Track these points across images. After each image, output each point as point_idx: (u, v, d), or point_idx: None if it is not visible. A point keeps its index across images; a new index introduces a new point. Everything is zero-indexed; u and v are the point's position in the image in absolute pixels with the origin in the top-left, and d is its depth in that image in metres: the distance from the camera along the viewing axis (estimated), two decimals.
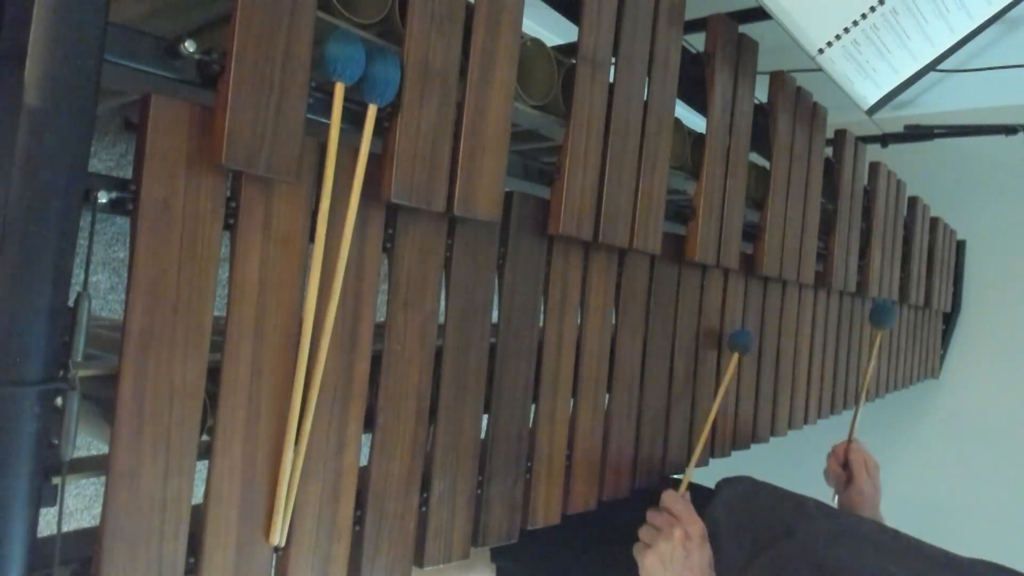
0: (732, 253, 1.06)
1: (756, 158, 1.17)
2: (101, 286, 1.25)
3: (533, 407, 0.81)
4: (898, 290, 1.79)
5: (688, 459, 1.03)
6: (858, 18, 1.11)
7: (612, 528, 1.05)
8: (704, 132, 1.02)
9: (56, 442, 0.47)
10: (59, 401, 0.47)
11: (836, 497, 1.21)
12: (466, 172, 0.67)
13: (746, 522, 0.90)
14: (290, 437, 0.57)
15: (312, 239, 0.57)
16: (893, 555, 0.86)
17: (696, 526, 0.87)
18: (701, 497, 0.95)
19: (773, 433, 1.31)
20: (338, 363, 0.61)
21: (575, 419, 0.86)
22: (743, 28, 1.08)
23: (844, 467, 1.19)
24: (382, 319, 0.65)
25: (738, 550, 0.91)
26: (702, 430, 1.02)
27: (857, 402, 1.29)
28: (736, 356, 1.05)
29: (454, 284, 0.71)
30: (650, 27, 0.88)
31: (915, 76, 1.27)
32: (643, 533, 0.90)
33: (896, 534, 0.92)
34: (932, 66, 1.27)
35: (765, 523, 0.90)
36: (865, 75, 1.20)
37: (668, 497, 0.90)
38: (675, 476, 1.08)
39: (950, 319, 2.30)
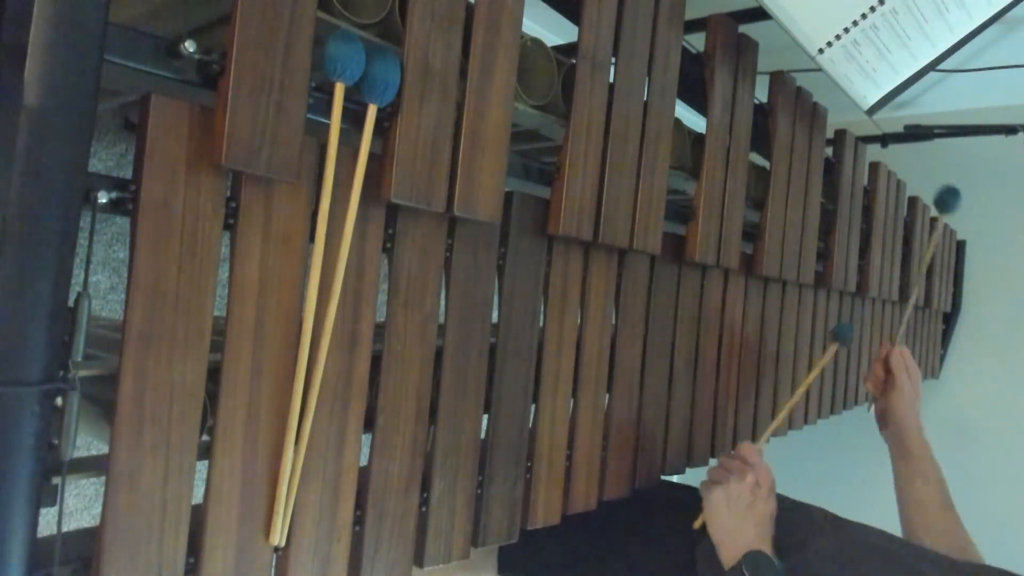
0: (732, 253, 1.06)
1: (756, 158, 1.17)
2: (101, 286, 1.25)
3: (533, 407, 0.81)
4: (898, 290, 1.79)
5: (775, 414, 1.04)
6: (858, 18, 1.11)
7: (620, 536, 1.05)
8: (704, 132, 1.02)
9: (56, 442, 0.47)
10: (59, 401, 0.47)
11: (872, 406, 1.19)
12: (466, 172, 0.67)
13: None
14: (290, 437, 0.57)
15: (312, 239, 0.57)
16: (900, 564, 0.86)
17: (768, 477, 0.88)
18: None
19: (773, 433, 1.31)
20: (338, 363, 0.61)
21: (575, 419, 0.86)
22: (743, 28, 1.08)
23: (886, 371, 1.17)
24: (382, 319, 0.65)
25: None
26: (788, 402, 1.04)
27: (904, 310, 1.25)
28: (835, 347, 1.05)
29: (454, 284, 0.71)
30: (650, 27, 0.88)
31: (915, 76, 1.27)
32: (713, 472, 0.91)
33: (904, 543, 0.92)
34: (932, 66, 1.27)
35: (775, 535, 0.89)
36: (865, 75, 1.20)
37: (745, 446, 0.91)
38: (673, 478, 1.08)
39: (950, 319, 2.30)
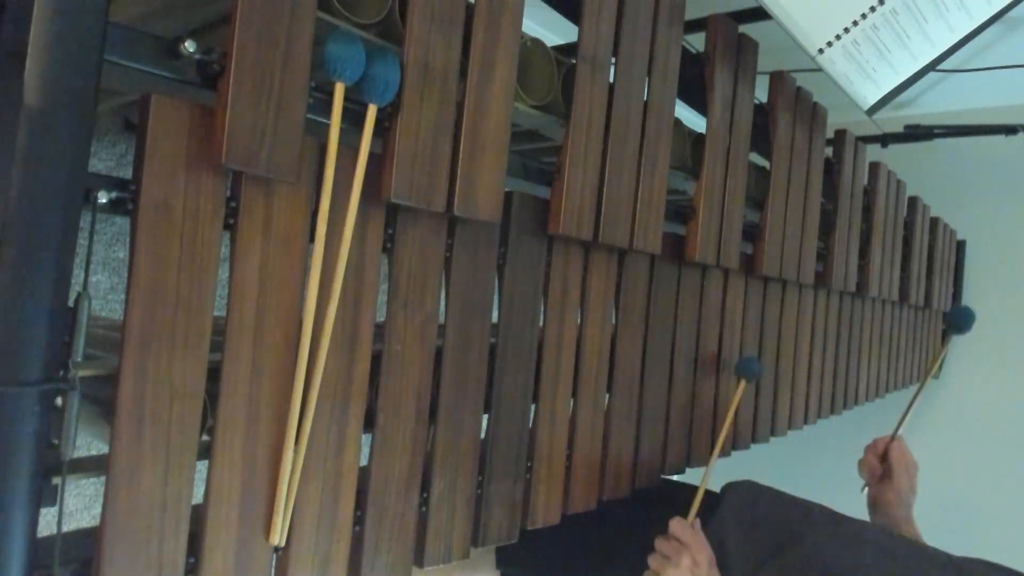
0: (732, 253, 1.06)
1: (756, 158, 1.17)
2: (101, 286, 1.25)
3: (533, 407, 0.81)
4: (898, 290, 1.79)
5: (703, 472, 1.01)
6: (858, 18, 1.11)
7: (618, 537, 1.05)
8: (704, 132, 1.02)
9: (56, 442, 0.47)
10: (59, 401, 0.47)
11: (866, 489, 1.18)
12: (466, 172, 0.67)
13: (752, 528, 0.90)
14: (290, 437, 0.57)
15: (312, 239, 0.57)
16: (897, 559, 0.86)
17: (704, 553, 0.88)
18: (705, 502, 0.95)
19: (773, 433, 1.31)
20: (338, 363, 0.61)
21: (575, 419, 0.86)
22: (743, 28, 1.08)
23: (882, 462, 1.16)
24: (382, 319, 0.65)
25: (745, 557, 0.91)
26: (710, 455, 1.01)
27: (912, 400, 1.24)
28: (743, 383, 1.03)
29: (454, 284, 0.71)
30: (650, 27, 0.88)
31: (915, 76, 1.27)
32: (652, 560, 0.91)
33: (900, 538, 0.92)
34: (932, 66, 1.27)
35: (771, 529, 0.90)
36: (865, 75, 1.20)
37: (676, 525, 0.90)
38: (673, 477, 1.08)
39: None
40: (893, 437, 1.18)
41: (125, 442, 0.49)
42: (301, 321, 0.57)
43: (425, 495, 0.69)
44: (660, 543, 0.91)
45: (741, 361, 1.05)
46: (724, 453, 1.15)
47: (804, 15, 1.06)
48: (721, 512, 0.97)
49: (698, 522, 0.92)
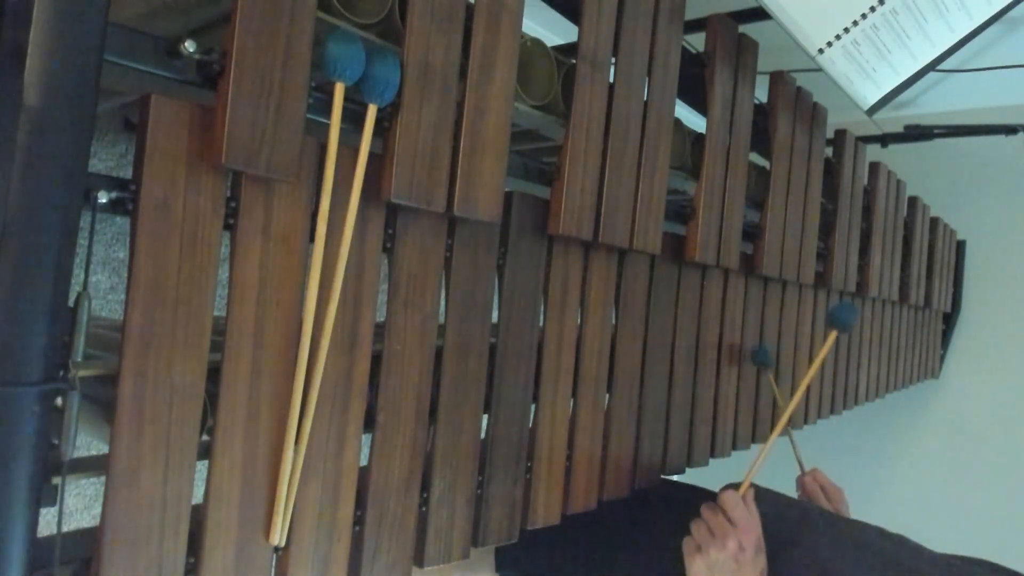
0: (732, 253, 1.06)
1: (756, 158, 1.17)
2: (101, 286, 1.25)
3: (533, 407, 0.81)
4: (898, 290, 1.79)
5: (762, 440, 0.96)
6: (858, 18, 1.11)
7: (618, 538, 1.05)
8: (704, 132, 1.02)
9: (56, 442, 0.47)
10: (59, 401, 0.47)
11: None
12: (466, 172, 0.67)
13: None
14: (290, 437, 0.57)
15: (312, 239, 0.57)
16: (895, 562, 0.86)
17: (752, 535, 0.83)
18: (704, 501, 0.95)
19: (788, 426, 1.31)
20: (338, 363, 0.61)
21: (575, 419, 0.86)
22: (743, 28, 1.08)
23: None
24: (382, 319, 0.65)
25: None
26: (778, 423, 0.95)
27: (789, 436, 1.23)
28: (833, 334, 0.95)
29: (454, 284, 0.71)
30: (650, 27, 0.88)
31: (915, 76, 1.27)
32: (696, 530, 0.86)
33: (899, 540, 0.92)
34: (932, 66, 1.27)
35: (770, 531, 0.89)
36: (865, 75, 1.20)
37: (728, 499, 0.85)
38: (673, 477, 1.08)
39: (950, 319, 2.30)
40: (802, 473, 1.16)
41: (125, 442, 0.49)
42: (301, 321, 0.57)
43: (425, 495, 0.69)
44: (708, 515, 0.86)
45: (836, 308, 0.96)
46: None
47: (804, 15, 1.06)
48: None
49: (751, 494, 0.87)
